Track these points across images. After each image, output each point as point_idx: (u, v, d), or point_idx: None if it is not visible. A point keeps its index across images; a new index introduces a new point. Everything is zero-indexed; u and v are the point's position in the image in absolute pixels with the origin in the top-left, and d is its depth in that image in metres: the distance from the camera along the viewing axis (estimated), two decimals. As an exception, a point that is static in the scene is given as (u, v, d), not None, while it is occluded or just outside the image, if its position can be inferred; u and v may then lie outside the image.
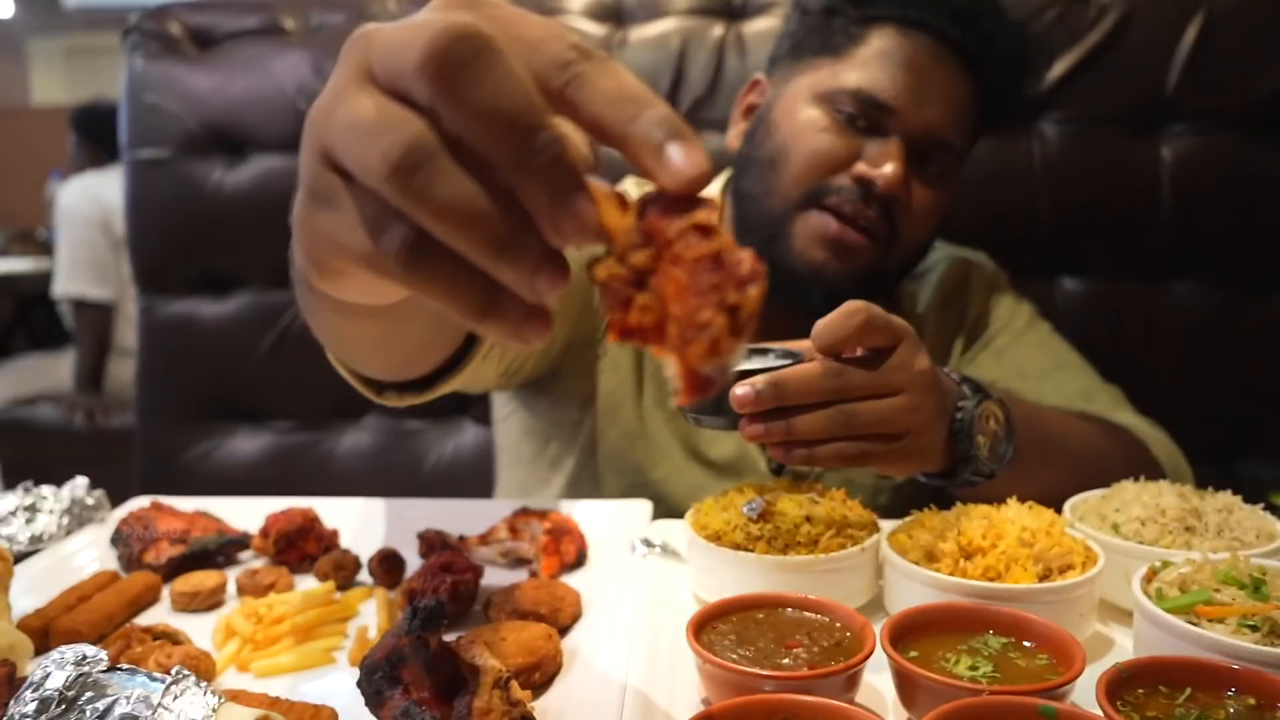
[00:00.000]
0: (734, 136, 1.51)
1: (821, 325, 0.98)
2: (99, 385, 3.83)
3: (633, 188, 1.65)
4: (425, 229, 0.47)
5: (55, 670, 0.71)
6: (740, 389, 0.96)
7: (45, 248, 6.34)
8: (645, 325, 0.49)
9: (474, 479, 1.97)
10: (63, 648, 0.75)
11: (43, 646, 0.92)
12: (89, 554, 1.15)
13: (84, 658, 0.72)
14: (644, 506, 1.23)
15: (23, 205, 7.45)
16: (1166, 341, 1.87)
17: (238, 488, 2.02)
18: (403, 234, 0.48)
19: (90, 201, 3.72)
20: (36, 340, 5.24)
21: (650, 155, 0.47)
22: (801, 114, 1.36)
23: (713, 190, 1.55)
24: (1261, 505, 1.06)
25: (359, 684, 0.76)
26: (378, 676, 0.75)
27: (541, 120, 0.46)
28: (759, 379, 0.96)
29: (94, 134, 4.01)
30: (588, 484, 1.50)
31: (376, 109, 0.48)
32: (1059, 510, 1.05)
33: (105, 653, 0.74)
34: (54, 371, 4.35)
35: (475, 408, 2.03)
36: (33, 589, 1.04)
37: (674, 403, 0.51)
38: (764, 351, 1.06)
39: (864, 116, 1.33)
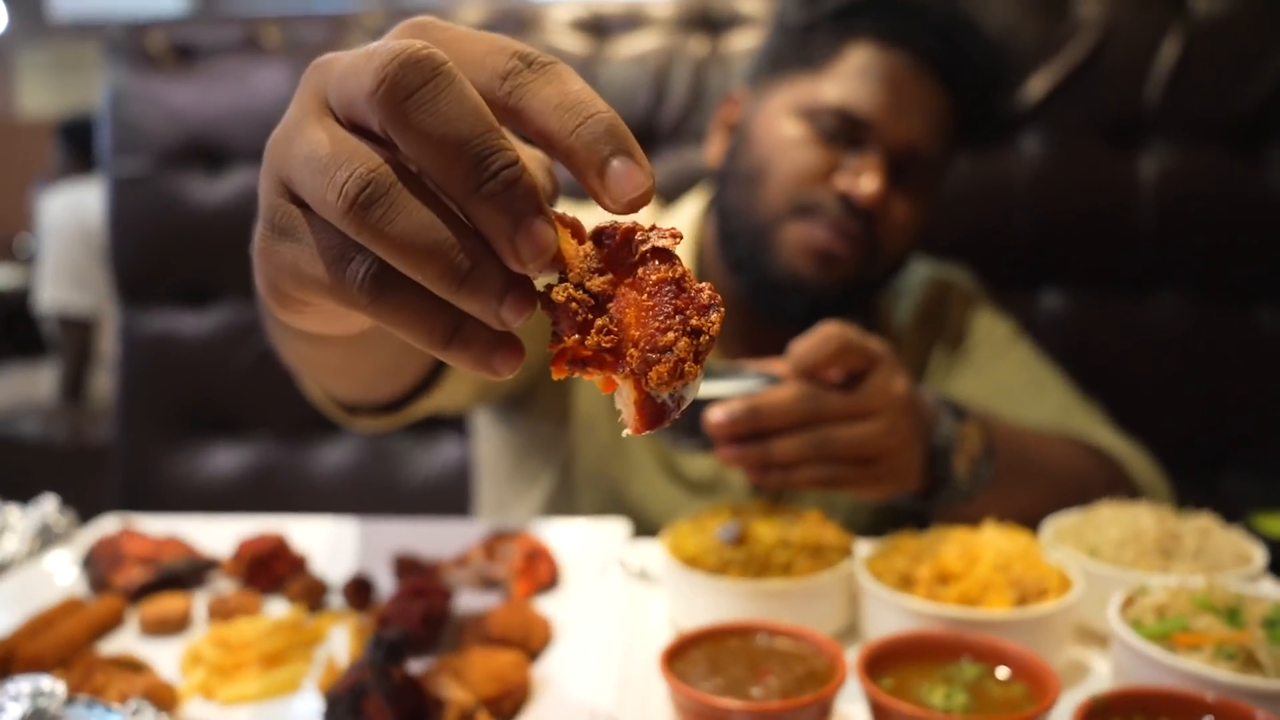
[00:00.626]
0: (713, 152, 1.50)
1: (798, 348, 0.97)
2: (80, 396, 3.80)
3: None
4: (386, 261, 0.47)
5: (10, 704, 0.70)
6: (716, 413, 0.96)
7: (26, 258, 6.31)
8: (604, 349, 0.49)
9: (454, 493, 1.96)
10: (19, 678, 0.73)
11: (5, 674, 0.91)
12: (57, 576, 1.13)
13: (40, 691, 0.71)
14: (620, 526, 1.22)
15: (6, 215, 7.40)
16: (1147, 354, 1.87)
17: (217, 501, 2.01)
18: (366, 266, 0.47)
19: (73, 213, 3.70)
20: (18, 350, 5.20)
21: (594, 175, 0.47)
22: (781, 128, 1.36)
23: (693, 209, 1.55)
24: (1241, 524, 1.06)
25: (324, 717, 0.75)
26: (340, 709, 0.73)
27: (495, 144, 0.45)
28: (735, 403, 0.95)
29: (81, 145, 3.99)
30: (565, 500, 1.49)
31: (332, 143, 0.47)
32: (1037, 530, 1.05)
33: (63, 684, 0.72)
34: (34, 383, 4.33)
35: (456, 422, 2.02)
36: (0, 611, 1.02)
37: (626, 433, 0.50)
38: (740, 373, 1.05)
39: (843, 130, 1.32)
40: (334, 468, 2.06)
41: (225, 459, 2.07)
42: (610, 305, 0.49)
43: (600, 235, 0.50)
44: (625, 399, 0.50)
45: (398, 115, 0.45)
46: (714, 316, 0.48)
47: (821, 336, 0.97)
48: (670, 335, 0.48)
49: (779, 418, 0.95)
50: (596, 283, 0.49)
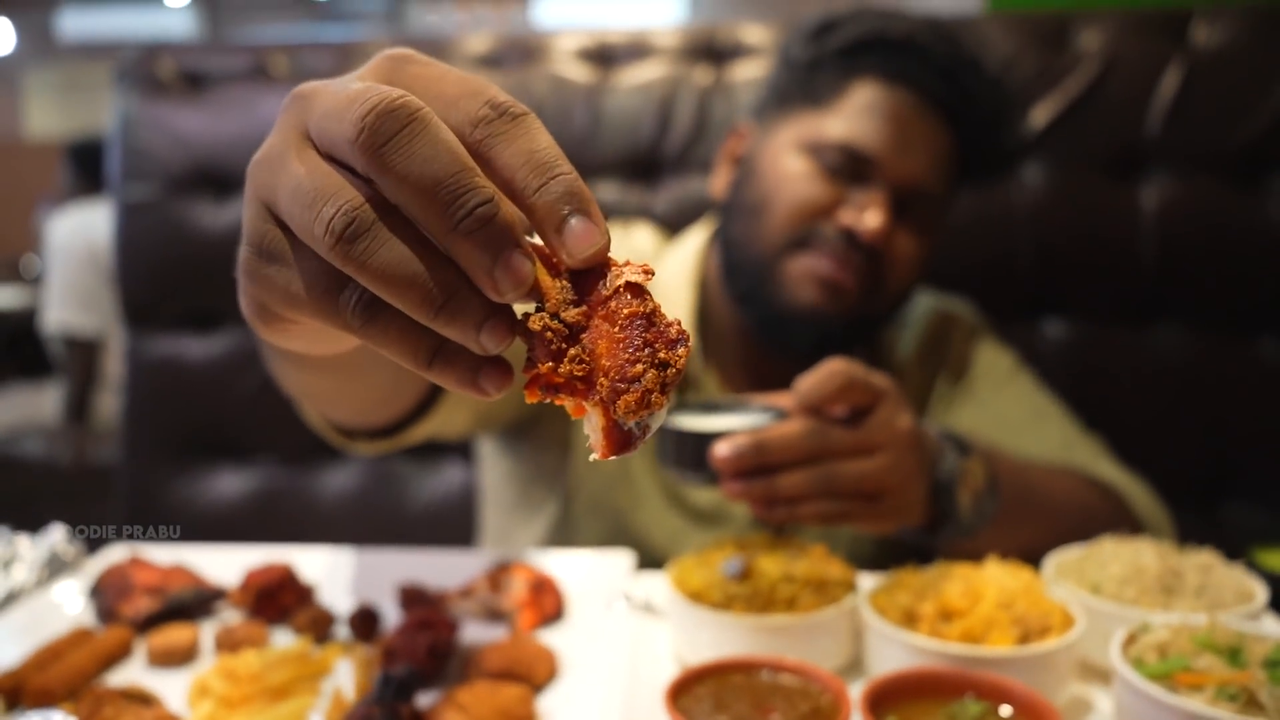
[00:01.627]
0: (719, 185, 1.52)
1: (803, 384, 0.98)
2: (84, 417, 3.81)
3: None
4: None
5: (23, 739, 0.70)
6: (722, 448, 0.97)
7: (32, 278, 6.34)
8: (576, 377, 0.51)
9: (457, 518, 1.97)
10: (30, 713, 0.74)
11: (14, 706, 0.91)
12: (65, 606, 1.14)
13: (52, 726, 0.71)
14: (625, 558, 1.22)
15: (11, 236, 7.44)
16: (1148, 383, 1.88)
17: (220, 525, 2.02)
18: (358, 295, 0.50)
19: (81, 235, 3.72)
20: (22, 370, 5.21)
21: (552, 231, 0.50)
22: (786, 163, 1.37)
23: (697, 240, 1.56)
24: (1242, 558, 1.06)
25: (331, 752, 0.75)
26: (349, 746, 0.74)
27: (469, 183, 0.48)
28: (741, 438, 0.96)
29: (90, 167, 4.01)
30: (569, 528, 1.50)
31: (317, 177, 0.50)
32: (1039, 564, 1.05)
33: (74, 719, 0.73)
34: (39, 404, 4.34)
35: (459, 447, 2.02)
36: (9, 643, 1.03)
37: (593, 457, 0.52)
38: (745, 407, 1.06)
39: (848, 166, 1.34)
40: (338, 492, 2.06)
41: (229, 483, 2.07)
42: (584, 336, 0.51)
43: (578, 269, 0.52)
44: (593, 425, 0.52)
45: (377, 161, 0.48)
46: (681, 351, 0.51)
47: (826, 372, 0.98)
48: (639, 367, 0.50)
49: (785, 453, 0.96)
50: (571, 314, 0.51)
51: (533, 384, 0.52)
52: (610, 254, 0.52)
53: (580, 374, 0.51)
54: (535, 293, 0.51)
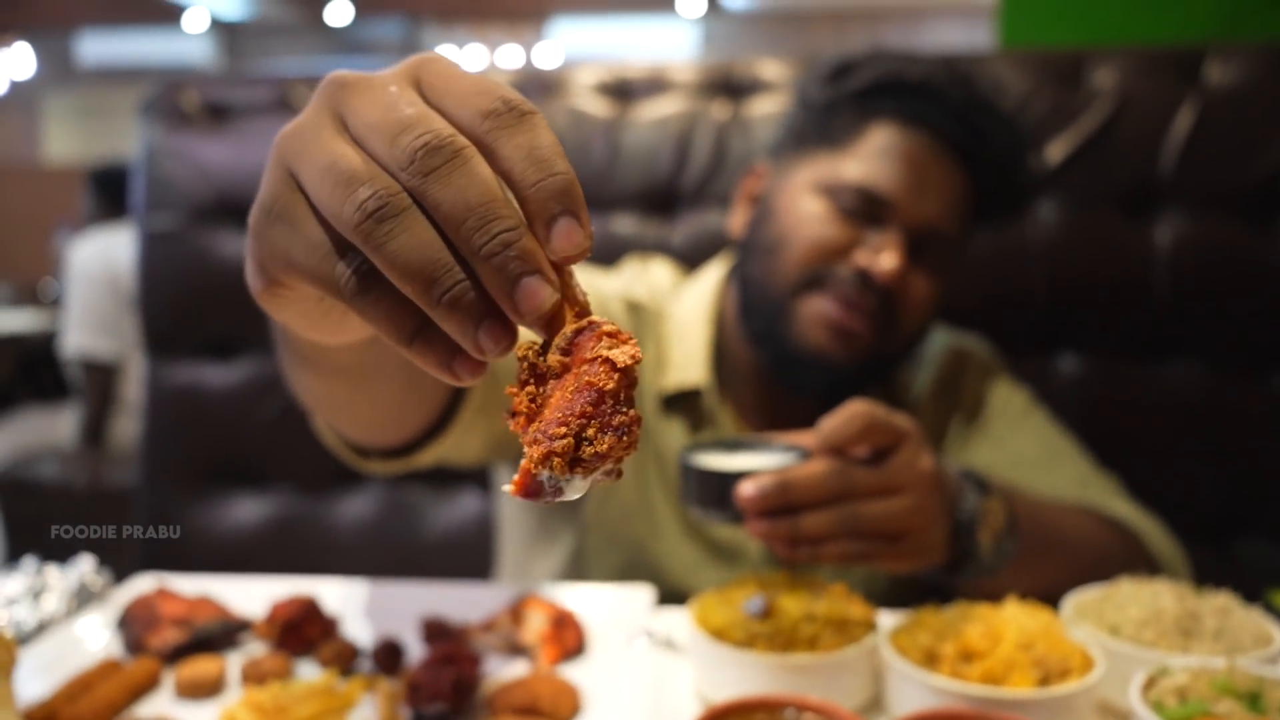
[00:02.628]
0: (737, 223, 1.54)
1: (826, 426, 1.00)
2: (101, 441, 3.84)
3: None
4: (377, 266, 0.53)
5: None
6: (747, 487, 0.98)
7: (49, 302, 6.39)
8: (521, 412, 0.54)
9: (473, 546, 1.98)
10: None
11: (46, 738, 0.93)
12: (93, 637, 1.15)
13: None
14: (645, 593, 1.23)
15: (30, 259, 7.51)
16: (1162, 419, 1.88)
17: (239, 553, 2.04)
18: (356, 264, 0.54)
19: (102, 260, 3.75)
20: (39, 393, 5.25)
21: (541, 226, 0.52)
22: (803, 204, 1.39)
23: (713, 277, 1.58)
24: (1259, 600, 1.07)
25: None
26: (381, 783, 0.75)
27: (497, 211, 0.51)
28: (765, 478, 0.98)
29: (112, 192, 4.05)
30: (587, 559, 1.51)
31: (355, 161, 0.53)
32: (1055, 603, 1.06)
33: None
34: (54, 426, 4.37)
35: (475, 476, 2.04)
36: (40, 673, 1.05)
37: (505, 489, 0.54)
38: (768, 446, 1.08)
39: (864, 208, 1.36)
40: (354, 520, 2.08)
41: (246, 510, 2.09)
42: (551, 381, 0.54)
43: (585, 326, 0.54)
44: (521, 462, 0.54)
45: (420, 185, 0.52)
46: (608, 438, 0.52)
47: (849, 414, 1.00)
48: (563, 429, 0.52)
49: (809, 493, 0.98)
50: (554, 358, 0.54)
51: (514, 404, 0.55)
52: (620, 327, 0.54)
53: (525, 410, 0.54)
54: (553, 327, 0.54)
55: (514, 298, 0.51)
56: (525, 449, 0.53)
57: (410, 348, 0.54)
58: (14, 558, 3.51)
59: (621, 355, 0.52)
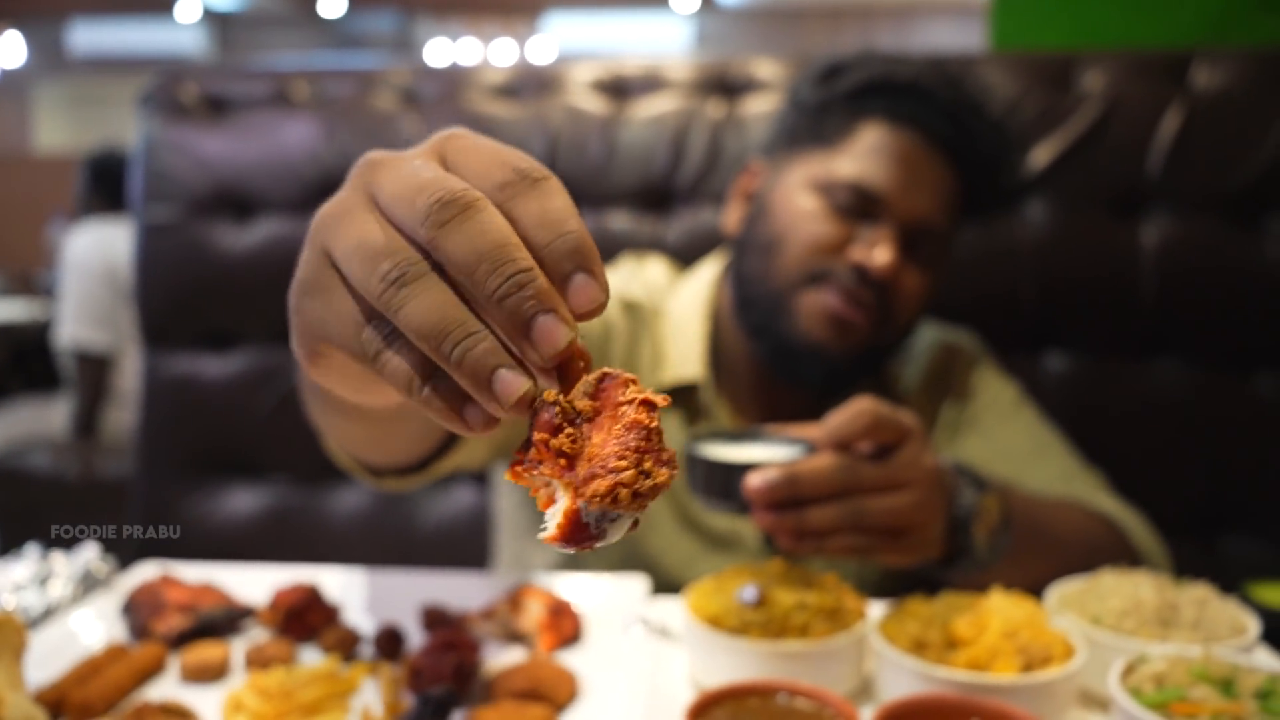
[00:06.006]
0: (732, 221, 1.57)
1: (832, 421, 1.03)
2: (93, 432, 3.84)
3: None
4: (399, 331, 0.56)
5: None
6: (755, 479, 1.01)
7: (42, 292, 6.37)
8: (563, 453, 0.54)
9: (467, 539, 2.00)
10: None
11: (58, 718, 0.96)
12: (99, 623, 1.17)
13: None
14: (640, 583, 1.26)
15: (21, 249, 7.49)
16: (1147, 418, 1.92)
17: (233, 542, 2.05)
18: (383, 330, 0.57)
19: (99, 251, 3.74)
20: (30, 384, 5.24)
21: (558, 282, 0.54)
22: (798, 201, 1.42)
23: (709, 273, 1.61)
24: (1237, 593, 1.10)
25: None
26: (388, 762, 0.78)
27: (509, 256, 0.53)
28: (773, 471, 1.00)
29: (108, 182, 4.04)
30: (583, 553, 1.53)
31: (381, 237, 0.57)
32: (1041, 594, 1.09)
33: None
34: (46, 417, 4.37)
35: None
36: (48, 657, 1.07)
37: (541, 537, 0.55)
38: (774, 439, 1.10)
39: (857, 205, 1.39)
40: (349, 512, 2.10)
41: (241, 501, 2.11)
42: (585, 424, 0.55)
43: (606, 374, 0.56)
44: (557, 509, 0.54)
45: (437, 236, 0.54)
46: (664, 474, 0.53)
47: (855, 410, 1.03)
48: (624, 463, 0.52)
49: (816, 487, 1.01)
50: (584, 404, 0.55)
51: (516, 464, 0.55)
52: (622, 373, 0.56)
53: (568, 450, 0.54)
54: (565, 379, 0.55)
55: (530, 337, 0.52)
56: (569, 490, 0.53)
57: (419, 398, 0.56)
58: (4, 549, 3.52)
59: (657, 398, 0.54)
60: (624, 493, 0.52)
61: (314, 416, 1.12)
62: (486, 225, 0.54)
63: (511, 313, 0.53)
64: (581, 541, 0.53)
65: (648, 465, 0.52)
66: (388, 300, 0.54)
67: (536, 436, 0.54)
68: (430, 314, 0.53)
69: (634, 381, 0.55)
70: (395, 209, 0.57)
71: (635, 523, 0.54)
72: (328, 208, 0.62)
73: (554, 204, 0.56)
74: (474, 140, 0.60)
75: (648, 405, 0.54)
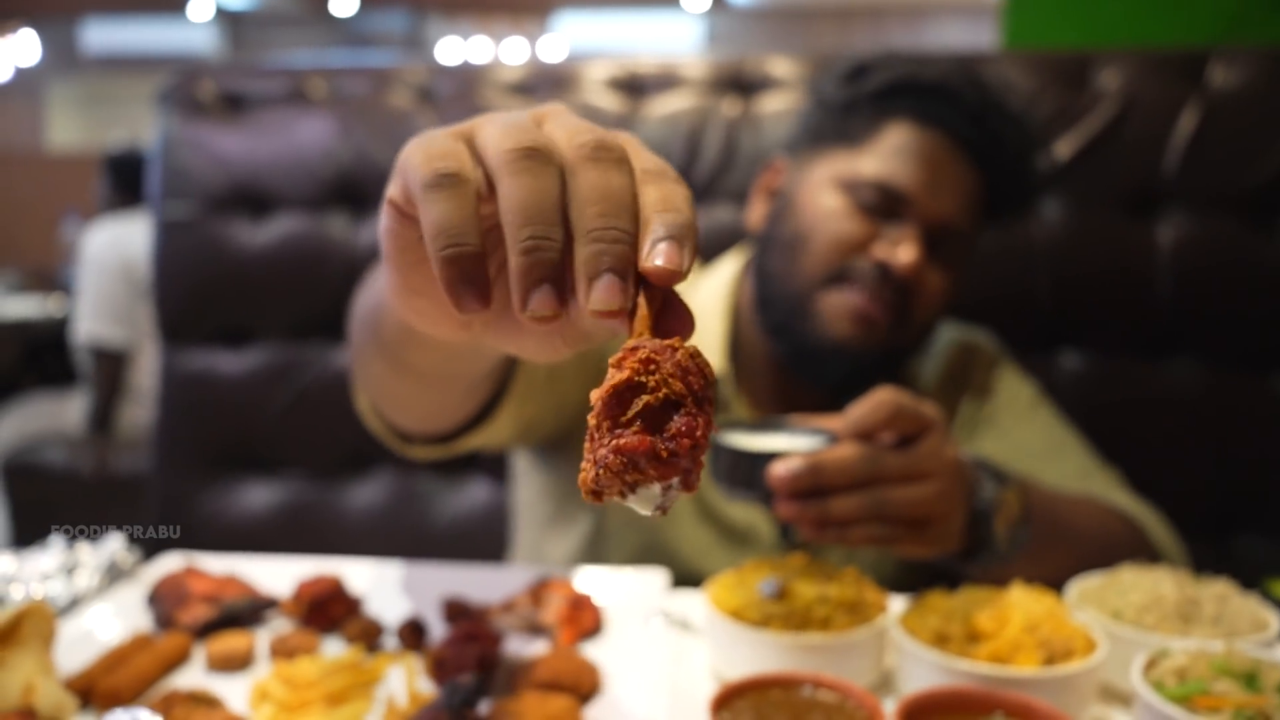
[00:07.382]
0: (755, 217, 1.57)
1: (854, 412, 1.03)
2: (108, 428, 3.86)
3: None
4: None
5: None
6: (779, 469, 1.01)
7: (57, 288, 6.40)
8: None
9: (481, 534, 2.01)
10: (118, 711, 0.79)
11: (86, 706, 0.97)
12: (124, 613, 1.19)
13: (139, 722, 0.76)
14: (660, 576, 1.27)
15: (35, 246, 7.53)
16: (1163, 416, 1.92)
17: (251, 538, 2.07)
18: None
19: (116, 248, 3.76)
20: (45, 379, 5.27)
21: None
22: (823, 199, 1.43)
23: (730, 269, 1.61)
24: (1256, 589, 1.10)
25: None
26: (417, 749, 0.78)
27: (628, 211, 0.56)
28: (796, 460, 1.01)
29: (127, 179, 4.06)
30: (601, 543, 1.54)
31: (448, 144, 0.60)
32: (1060, 589, 1.10)
33: (160, 717, 0.78)
34: (61, 412, 4.39)
35: (485, 465, 2.07)
36: (75, 646, 1.08)
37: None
38: (797, 429, 1.11)
39: (882, 204, 1.39)
40: (364, 507, 2.11)
41: (258, 495, 2.12)
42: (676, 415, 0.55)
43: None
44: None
45: (584, 162, 0.58)
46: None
47: (877, 401, 1.03)
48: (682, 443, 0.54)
49: (839, 477, 1.01)
50: (677, 386, 0.54)
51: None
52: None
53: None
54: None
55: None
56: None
57: (440, 256, 0.56)
58: (20, 543, 3.55)
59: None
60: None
61: (361, 372, 1.15)
62: (625, 177, 0.57)
63: (593, 255, 0.55)
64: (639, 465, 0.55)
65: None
66: (512, 161, 0.57)
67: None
68: (538, 196, 0.56)
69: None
70: (483, 140, 0.60)
71: (664, 510, 0.55)
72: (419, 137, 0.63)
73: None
74: (571, 117, 0.63)
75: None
